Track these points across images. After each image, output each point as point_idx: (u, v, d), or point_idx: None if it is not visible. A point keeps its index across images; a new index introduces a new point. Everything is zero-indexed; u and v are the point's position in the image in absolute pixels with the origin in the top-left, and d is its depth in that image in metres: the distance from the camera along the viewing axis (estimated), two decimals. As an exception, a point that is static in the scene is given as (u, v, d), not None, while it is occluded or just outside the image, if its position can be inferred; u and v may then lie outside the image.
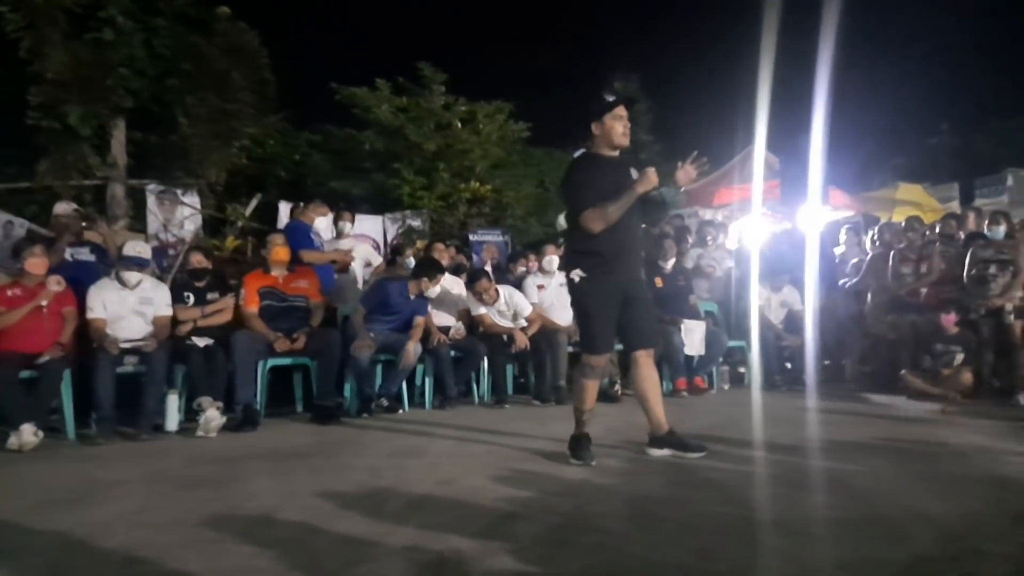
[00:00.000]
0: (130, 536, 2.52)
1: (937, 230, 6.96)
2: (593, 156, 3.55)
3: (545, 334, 5.91)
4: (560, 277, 6.49)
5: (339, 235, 6.79)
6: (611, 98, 3.53)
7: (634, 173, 3.51)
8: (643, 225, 3.79)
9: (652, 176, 3.46)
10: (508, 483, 3.15)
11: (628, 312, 3.53)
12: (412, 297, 5.68)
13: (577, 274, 3.49)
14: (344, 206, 7.31)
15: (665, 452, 3.57)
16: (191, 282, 5.42)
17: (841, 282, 7.12)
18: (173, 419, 4.74)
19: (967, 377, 5.42)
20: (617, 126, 3.49)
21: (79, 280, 5.00)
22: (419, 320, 5.68)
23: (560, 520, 2.63)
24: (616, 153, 3.56)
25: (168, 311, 5.08)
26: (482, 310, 6.05)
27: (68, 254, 5.37)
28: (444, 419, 5.07)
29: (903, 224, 6.97)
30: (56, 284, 4.77)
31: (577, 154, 3.61)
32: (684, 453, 3.53)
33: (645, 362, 3.59)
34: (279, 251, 5.39)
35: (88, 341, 4.83)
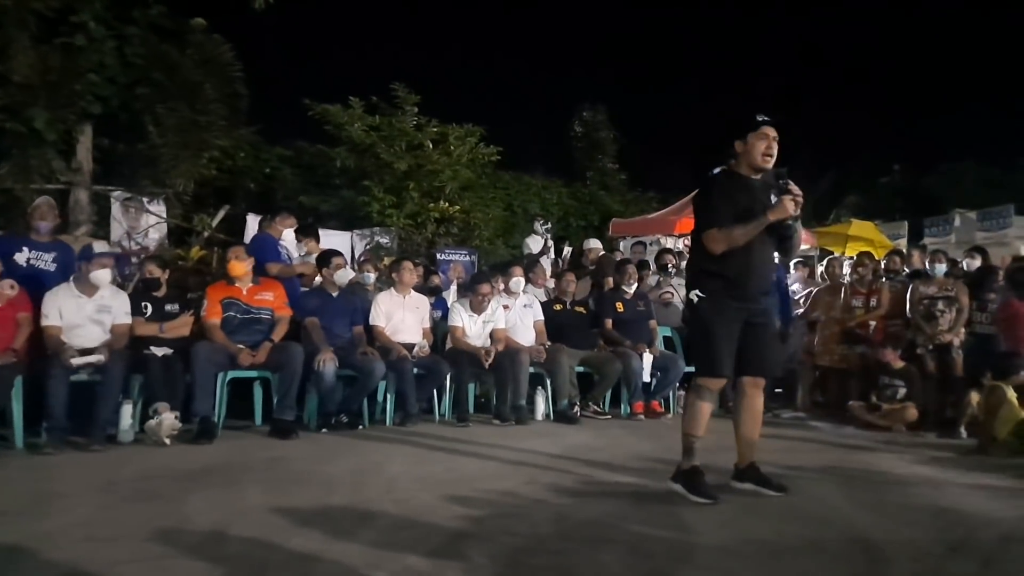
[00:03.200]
0: (76, 549, 2.49)
1: (883, 266, 7.23)
2: (732, 175, 3.40)
3: (508, 354, 5.96)
4: (524, 298, 6.57)
5: (308, 252, 6.78)
6: (760, 117, 3.34)
7: (774, 198, 3.33)
8: (775, 254, 3.58)
9: (788, 205, 3.25)
10: (464, 502, 3.18)
11: (747, 337, 3.39)
12: (334, 294, 5.75)
13: (696, 295, 3.37)
14: (312, 221, 7.29)
15: (747, 486, 3.44)
16: (148, 292, 5.35)
17: (794, 314, 7.33)
18: (127, 430, 4.66)
19: (911, 412, 5.60)
20: (760, 145, 3.31)
21: (38, 287, 4.90)
22: (357, 330, 5.76)
23: (514, 540, 2.67)
24: (758, 176, 3.37)
25: (127, 319, 5.00)
26: (459, 322, 6.08)
27: (24, 259, 5.23)
28: (404, 436, 5.07)
29: (853, 258, 7.22)
30: (10, 288, 4.67)
31: (716, 171, 3.43)
32: (763, 489, 3.40)
33: (750, 391, 3.46)
34: (234, 266, 5.35)
35: (41, 348, 4.74)
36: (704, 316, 3.39)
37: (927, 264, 6.62)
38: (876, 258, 7.54)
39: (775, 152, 3.32)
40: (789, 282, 7.85)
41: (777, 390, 6.91)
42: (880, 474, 4.06)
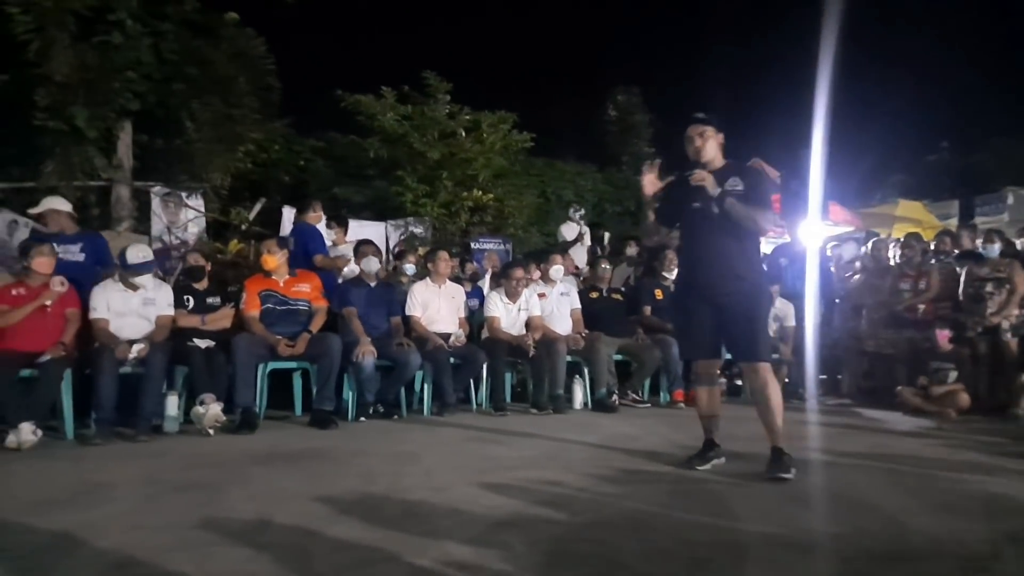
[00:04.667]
0: (125, 537, 2.53)
1: (932, 247, 7.01)
2: (682, 172, 3.62)
3: (544, 343, 5.94)
4: (561, 287, 6.54)
5: (335, 243, 6.85)
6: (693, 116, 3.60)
7: (736, 182, 3.48)
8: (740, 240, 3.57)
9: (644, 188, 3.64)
10: (502, 491, 3.16)
11: (718, 322, 3.53)
12: (372, 284, 5.77)
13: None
14: (346, 212, 7.31)
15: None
16: (191, 285, 5.45)
17: (837, 300, 7.15)
18: (172, 420, 4.76)
19: (963, 396, 5.43)
20: (687, 145, 3.59)
21: (70, 279, 4.99)
22: (395, 321, 5.78)
23: (554, 529, 2.64)
24: (716, 166, 3.54)
25: (170, 311, 5.11)
26: (495, 312, 6.08)
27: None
28: (442, 425, 5.10)
29: (900, 240, 7.02)
30: (59, 285, 4.80)
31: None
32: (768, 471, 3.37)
33: (747, 375, 3.64)
34: (267, 259, 5.43)
35: (89, 341, 4.86)
36: (670, 305, 4.13)
37: (981, 244, 6.39)
38: (925, 239, 7.30)
39: (697, 146, 3.54)
40: (830, 265, 7.67)
41: (822, 376, 6.78)
42: (929, 461, 3.94)
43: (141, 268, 5.01)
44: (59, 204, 5.60)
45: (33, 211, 5.52)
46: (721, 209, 3.43)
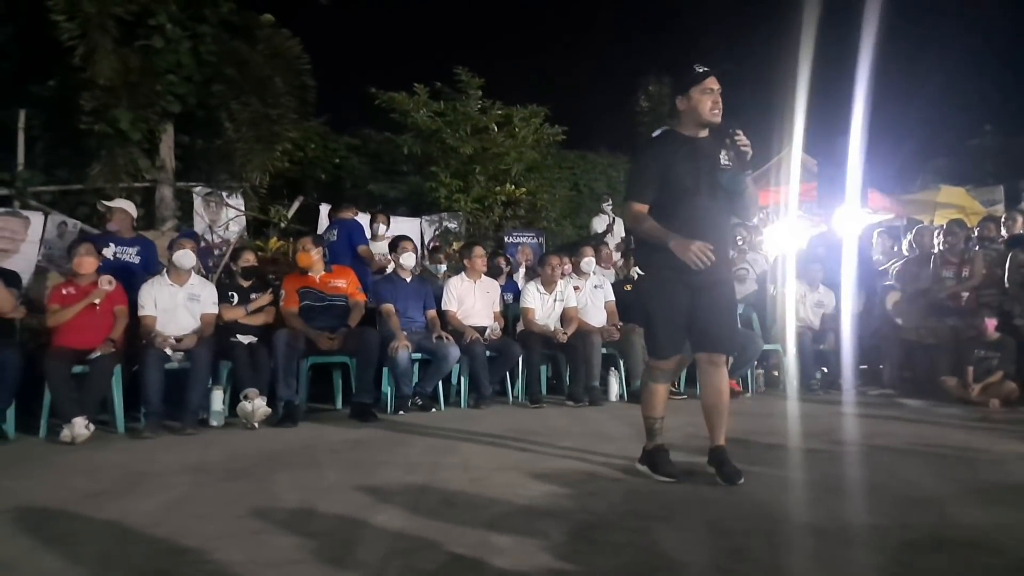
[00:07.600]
0: (175, 526, 2.61)
1: (976, 233, 6.82)
2: (673, 135, 3.13)
3: (579, 335, 5.94)
4: (595, 279, 6.53)
5: (374, 237, 6.93)
6: (701, 69, 3.04)
7: (724, 157, 3.05)
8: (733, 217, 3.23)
9: (689, 258, 2.96)
10: (540, 481, 3.19)
11: (695, 309, 3.12)
12: (408, 280, 5.85)
13: (636, 271, 3.33)
14: (381, 208, 7.39)
15: (711, 469, 3.18)
16: (237, 282, 5.60)
17: (879, 288, 7.02)
18: (217, 414, 4.89)
19: (1010, 386, 5.30)
20: (706, 100, 3.01)
21: (124, 279, 5.18)
22: (430, 314, 5.85)
23: (591, 519, 2.66)
24: (704, 133, 3.07)
25: (214, 309, 5.25)
26: (531, 304, 6.11)
27: (111, 254, 5.55)
28: (478, 418, 5.14)
29: (943, 227, 6.85)
30: (108, 283, 4.96)
31: (657, 132, 3.20)
32: (717, 476, 3.13)
33: (703, 367, 3.22)
34: (301, 257, 5.55)
35: (137, 338, 5.02)
36: (642, 295, 3.27)
37: None
38: (968, 226, 7.11)
39: (719, 103, 3.04)
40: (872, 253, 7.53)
41: (863, 366, 6.66)
42: (974, 451, 3.85)
43: (184, 238, 5.30)
44: (128, 207, 5.87)
45: (107, 203, 5.84)
46: (741, 185, 3.03)
